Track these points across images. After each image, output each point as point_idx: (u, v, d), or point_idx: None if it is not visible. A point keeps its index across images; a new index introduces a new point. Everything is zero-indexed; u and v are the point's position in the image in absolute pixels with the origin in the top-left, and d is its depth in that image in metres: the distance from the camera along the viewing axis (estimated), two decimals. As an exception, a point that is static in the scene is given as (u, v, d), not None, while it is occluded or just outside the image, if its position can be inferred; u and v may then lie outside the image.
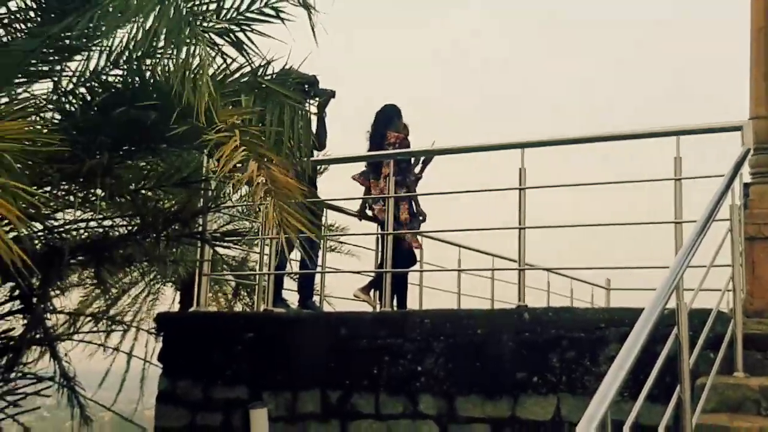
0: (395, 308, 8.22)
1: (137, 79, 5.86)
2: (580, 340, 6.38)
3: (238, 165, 5.43)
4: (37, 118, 5.78)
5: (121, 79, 5.98)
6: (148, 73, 5.88)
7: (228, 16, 5.99)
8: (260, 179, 5.34)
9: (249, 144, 5.44)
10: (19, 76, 5.81)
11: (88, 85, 5.97)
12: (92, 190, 6.62)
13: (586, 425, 2.75)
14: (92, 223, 7.13)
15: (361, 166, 9.02)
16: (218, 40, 6.00)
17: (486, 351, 6.65)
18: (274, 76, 6.29)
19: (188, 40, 5.24)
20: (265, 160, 5.57)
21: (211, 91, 5.15)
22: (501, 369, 6.55)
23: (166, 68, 5.61)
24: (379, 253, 8.89)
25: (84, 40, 5.93)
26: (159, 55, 5.77)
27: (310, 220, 8.48)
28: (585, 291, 14.15)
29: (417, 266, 9.33)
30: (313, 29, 5.70)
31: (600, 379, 3.04)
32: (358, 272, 9.30)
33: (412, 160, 9.16)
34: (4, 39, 6.05)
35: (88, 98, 6.04)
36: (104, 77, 5.96)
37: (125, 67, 5.90)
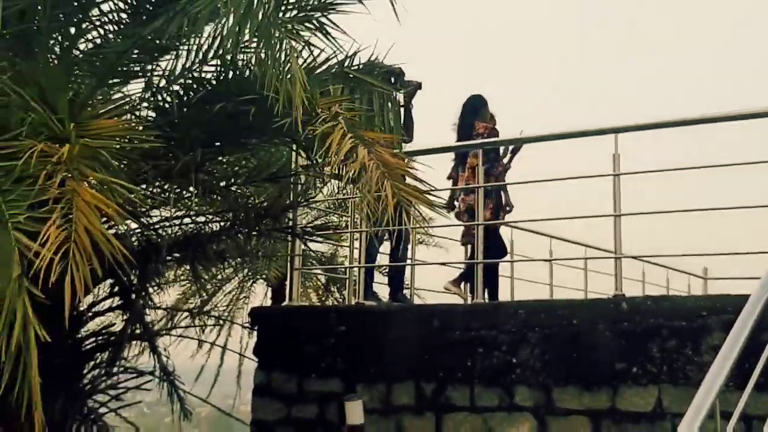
0: (487, 300, 8.13)
1: (229, 74, 5.90)
2: (681, 329, 6.19)
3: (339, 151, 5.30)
4: (132, 117, 5.89)
5: (214, 75, 6.04)
6: (238, 69, 5.92)
7: (312, 4, 5.96)
8: (371, 163, 5.21)
9: (355, 130, 5.34)
10: (113, 76, 5.91)
11: (180, 82, 6.05)
12: (186, 188, 6.71)
13: (694, 416, 2.65)
14: (186, 220, 7.24)
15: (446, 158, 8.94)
16: (305, 33, 6.00)
17: (583, 341, 6.51)
18: (360, 66, 6.27)
19: (276, 34, 5.23)
20: (372, 144, 5.44)
21: (304, 82, 5.11)
22: (599, 359, 6.40)
23: (257, 62, 5.62)
24: (469, 246, 8.80)
25: (173, 40, 6.00)
26: (248, 50, 5.80)
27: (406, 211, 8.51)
28: (681, 281, 13.80)
29: (507, 258, 9.21)
30: (395, 10, 5.59)
31: (703, 368, 2.94)
32: (446, 263, 9.24)
33: (501, 150, 9.04)
34: (98, 41, 6.18)
35: (181, 95, 6.12)
36: (195, 74, 6.03)
37: (216, 63, 5.95)
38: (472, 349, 6.87)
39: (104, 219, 5.62)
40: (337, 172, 7.47)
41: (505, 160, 9.05)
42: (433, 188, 8.55)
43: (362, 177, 5.32)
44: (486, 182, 8.15)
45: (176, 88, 6.07)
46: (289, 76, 5.06)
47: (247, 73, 5.88)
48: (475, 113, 8.97)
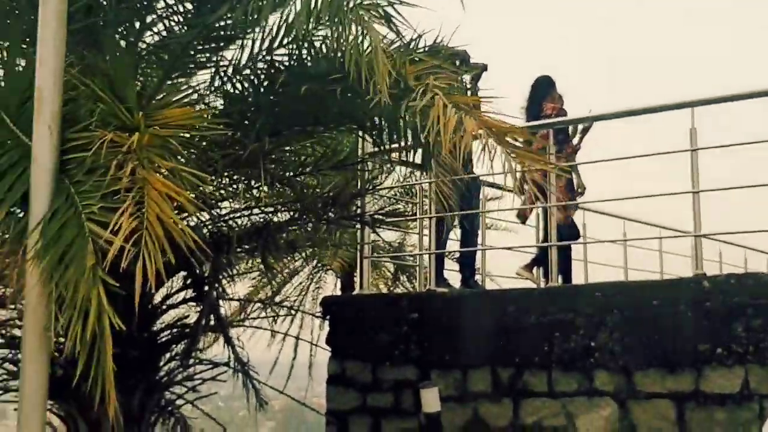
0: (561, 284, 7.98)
1: (298, 60, 5.84)
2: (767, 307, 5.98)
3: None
4: (201, 106, 5.88)
5: (282, 62, 5.98)
6: (309, 53, 5.85)
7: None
8: (481, 131, 5.00)
9: (454, 101, 5.13)
10: (179, 67, 5.91)
11: (246, 71, 6.03)
12: (254, 179, 6.69)
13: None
14: (255, 211, 7.23)
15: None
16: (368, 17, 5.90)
17: (663, 323, 6.32)
18: (426, 49, 6.16)
19: (345, 19, 5.13)
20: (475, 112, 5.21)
21: (388, 58, 4.94)
22: (681, 341, 6.22)
23: (332, 42, 5.51)
24: (541, 230, 8.66)
25: (239, 29, 5.98)
26: (317, 38, 5.73)
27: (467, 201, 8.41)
28: (760, 261, 13.39)
29: (580, 240, 9.03)
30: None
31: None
32: (513, 248, 9.08)
33: (570, 130, 8.88)
34: (163, 33, 6.19)
35: (246, 85, 6.10)
36: (262, 63, 5.99)
37: (284, 50, 5.89)
38: (549, 334, 6.74)
39: (176, 210, 5.67)
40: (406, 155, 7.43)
41: (575, 141, 8.89)
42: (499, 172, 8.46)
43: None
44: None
45: (245, 73, 6.03)
46: (367, 55, 4.91)
47: (319, 56, 5.79)
48: (543, 94, 8.83)
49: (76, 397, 6.19)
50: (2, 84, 5.04)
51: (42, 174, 4.49)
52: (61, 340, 4.68)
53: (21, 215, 4.65)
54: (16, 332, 6.11)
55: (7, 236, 4.73)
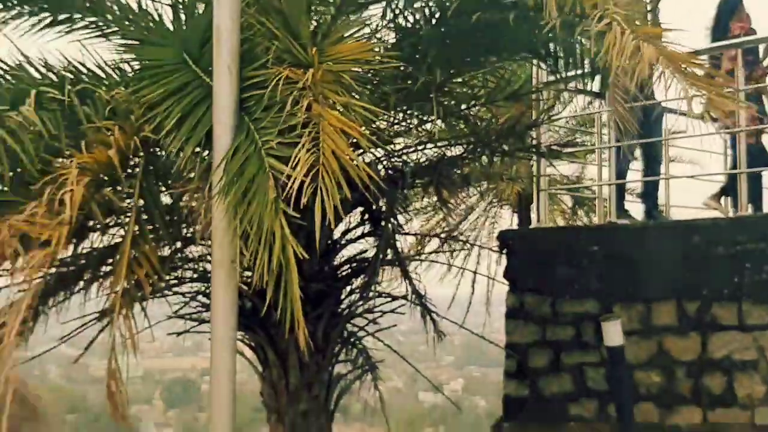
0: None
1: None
2: None
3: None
4: (374, 40, 5.88)
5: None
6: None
7: None
8: (659, 59, 4.77)
9: (632, 26, 4.84)
10: (351, 1, 5.90)
11: (418, 2, 5.96)
12: (427, 113, 6.68)
13: None
14: (428, 145, 7.22)
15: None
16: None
17: None
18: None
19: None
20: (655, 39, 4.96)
21: None
22: None
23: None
24: (729, 157, 8.25)
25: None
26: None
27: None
28: None
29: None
30: None
31: None
32: (697, 176, 8.68)
33: (760, 52, 8.36)
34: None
35: (418, 17, 6.05)
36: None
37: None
38: (739, 265, 6.44)
39: (351, 146, 5.74)
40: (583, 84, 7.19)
41: (766, 63, 8.38)
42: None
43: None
44: (746, 87, 7.54)
45: (417, 5, 5.97)
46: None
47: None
48: (730, 14, 8.34)
49: (265, 328, 6.49)
50: (184, 27, 5.20)
51: (223, 112, 4.65)
52: (248, 273, 4.88)
53: (205, 153, 4.84)
54: (208, 266, 6.41)
55: (193, 174, 4.95)
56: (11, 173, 4.91)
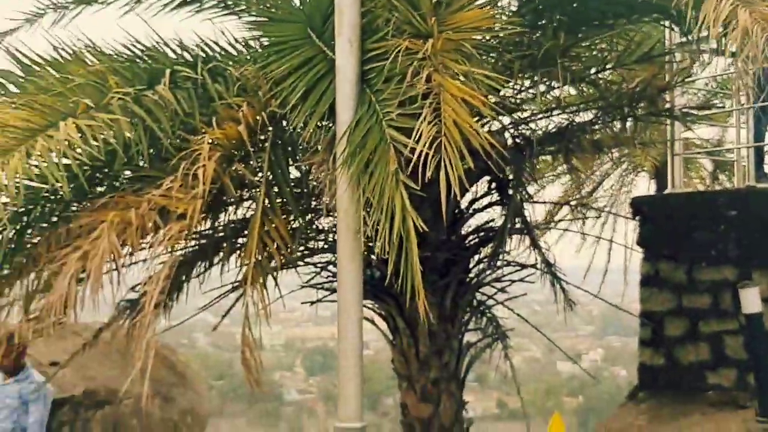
0: None
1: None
2: None
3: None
4: (493, 7, 5.83)
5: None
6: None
7: None
8: (755, 27, 4.57)
9: None
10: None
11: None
12: (552, 79, 6.56)
13: None
14: (556, 112, 7.11)
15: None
16: None
17: None
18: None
19: None
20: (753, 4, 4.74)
21: None
22: None
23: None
24: None
25: None
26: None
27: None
28: None
29: None
30: None
31: None
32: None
33: None
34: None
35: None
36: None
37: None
38: None
39: (477, 116, 5.72)
40: (717, 45, 6.90)
41: None
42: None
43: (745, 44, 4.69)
44: None
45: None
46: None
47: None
48: None
49: (394, 297, 6.58)
50: (307, 2, 5.31)
51: (346, 85, 4.73)
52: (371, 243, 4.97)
53: (330, 126, 4.94)
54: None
55: (318, 146, 5.06)
56: (149, 150, 5.14)
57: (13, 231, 5.66)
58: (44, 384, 6.59)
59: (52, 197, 5.65)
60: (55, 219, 5.78)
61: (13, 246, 5.65)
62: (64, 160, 4.87)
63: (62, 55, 5.87)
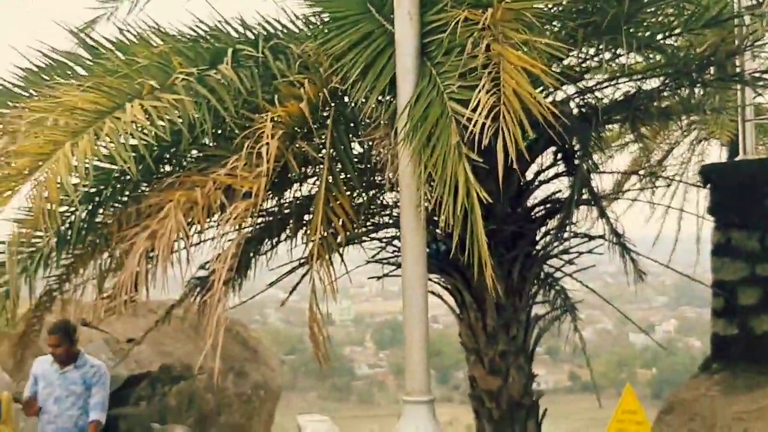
0: None
1: None
2: None
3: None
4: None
5: None
6: None
7: None
8: None
9: None
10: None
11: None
12: (618, 46, 6.44)
13: None
14: (622, 79, 6.97)
15: None
16: None
17: None
18: None
19: None
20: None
21: None
22: None
23: None
24: None
25: None
26: None
27: None
28: None
29: None
30: None
31: None
32: None
33: None
34: None
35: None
36: None
37: None
38: None
39: (539, 86, 5.65)
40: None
41: None
42: None
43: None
44: None
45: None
46: None
47: None
48: None
49: (460, 271, 6.58)
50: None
51: (406, 58, 4.71)
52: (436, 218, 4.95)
53: (390, 100, 4.93)
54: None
55: (380, 121, 5.06)
56: (213, 129, 5.21)
57: (85, 211, 5.80)
58: (103, 366, 6.72)
59: (122, 177, 5.77)
60: (125, 199, 5.91)
61: (85, 226, 5.79)
62: (132, 141, 4.97)
63: (128, 37, 5.98)
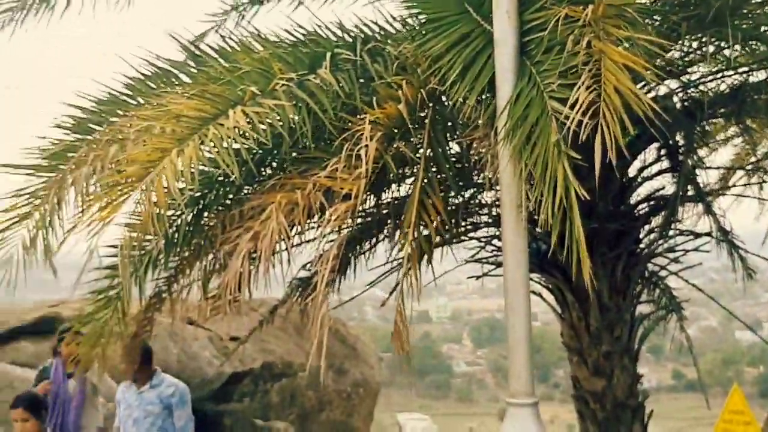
0: None
1: None
2: None
3: None
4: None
5: None
6: None
7: None
8: None
9: None
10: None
11: None
12: (723, 39, 6.25)
13: None
14: (728, 73, 6.76)
15: None
16: None
17: None
18: None
19: None
20: None
21: None
22: None
23: None
24: None
25: None
26: None
27: None
28: None
29: None
30: None
31: None
32: None
33: None
34: None
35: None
36: None
37: None
38: None
39: (642, 82, 5.52)
40: None
41: None
42: None
43: None
44: None
45: None
46: None
47: None
48: None
49: (561, 270, 6.50)
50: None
51: (505, 57, 4.67)
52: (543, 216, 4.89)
53: (489, 100, 4.90)
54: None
55: (479, 121, 5.04)
56: (313, 132, 5.27)
57: (191, 214, 5.96)
58: (182, 385, 6.70)
59: (225, 181, 5.90)
60: (228, 202, 6.04)
61: (191, 228, 5.95)
62: (234, 146, 5.07)
63: (230, 44, 6.11)
